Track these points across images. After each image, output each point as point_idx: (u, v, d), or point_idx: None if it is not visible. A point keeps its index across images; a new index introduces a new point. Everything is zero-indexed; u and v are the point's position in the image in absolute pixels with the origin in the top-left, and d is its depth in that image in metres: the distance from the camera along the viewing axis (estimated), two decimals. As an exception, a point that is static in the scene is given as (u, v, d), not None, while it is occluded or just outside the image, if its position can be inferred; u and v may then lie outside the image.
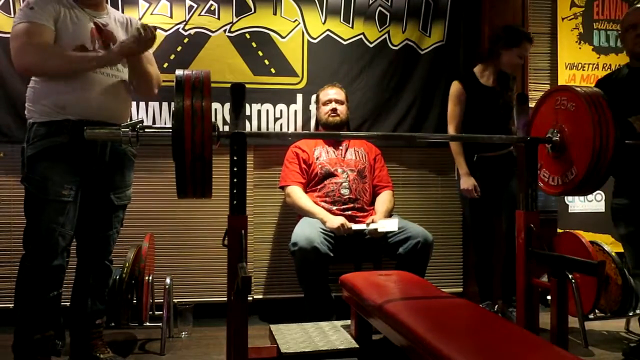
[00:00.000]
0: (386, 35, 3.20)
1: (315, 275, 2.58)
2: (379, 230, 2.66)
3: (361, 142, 3.04)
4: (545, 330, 1.89)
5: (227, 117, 3.00)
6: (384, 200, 2.92)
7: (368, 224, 2.71)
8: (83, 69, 2.12)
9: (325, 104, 2.98)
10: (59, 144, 2.09)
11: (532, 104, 2.04)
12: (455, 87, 2.90)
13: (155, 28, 2.20)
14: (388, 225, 2.67)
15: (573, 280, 2.53)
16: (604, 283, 2.64)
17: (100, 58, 2.14)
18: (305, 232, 2.59)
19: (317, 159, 2.92)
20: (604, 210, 3.43)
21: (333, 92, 2.99)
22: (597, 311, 2.67)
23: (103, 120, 2.12)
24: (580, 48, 3.50)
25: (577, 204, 3.44)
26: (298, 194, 2.84)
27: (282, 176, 2.94)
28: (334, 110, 2.95)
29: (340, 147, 2.99)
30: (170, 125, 1.43)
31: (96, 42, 2.18)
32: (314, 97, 3.10)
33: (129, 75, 2.28)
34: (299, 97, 3.12)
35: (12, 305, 2.14)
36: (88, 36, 2.16)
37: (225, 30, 3.03)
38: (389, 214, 2.85)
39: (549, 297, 1.84)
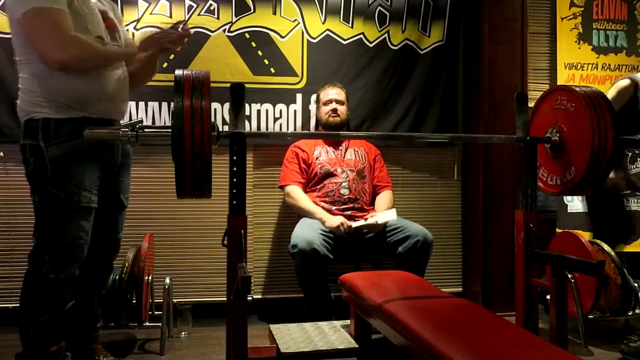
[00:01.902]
0: (386, 35, 3.20)
1: (315, 277, 2.58)
2: (378, 222, 2.66)
3: (361, 142, 3.04)
4: (544, 330, 1.89)
5: (227, 117, 3.00)
6: (384, 200, 2.92)
7: (367, 219, 2.71)
8: (112, 65, 1.98)
9: (325, 104, 2.98)
10: (87, 145, 1.91)
11: (531, 104, 2.04)
12: (626, 83, 2.84)
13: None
14: (386, 215, 2.68)
15: (572, 280, 2.53)
16: (604, 283, 2.65)
17: (127, 53, 2.04)
18: (304, 234, 2.58)
19: (317, 158, 2.92)
20: (603, 210, 3.43)
21: (333, 92, 2.99)
22: (596, 311, 2.67)
23: (114, 117, 2.04)
24: (579, 48, 3.50)
25: (576, 204, 3.43)
26: (297, 194, 2.84)
27: (282, 176, 2.94)
28: (335, 110, 2.95)
29: (340, 147, 2.99)
30: (170, 125, 1.43)
31: (107, 34, 2.00)
32: (313, 97, 3.10)
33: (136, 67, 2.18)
34: (299, 96, 3.11)
35: (12, 305, 2.07)
36: (102, 26, 1.98)
37: (224, 30, 3.03)
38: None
39: (548, 297, 1.84)
